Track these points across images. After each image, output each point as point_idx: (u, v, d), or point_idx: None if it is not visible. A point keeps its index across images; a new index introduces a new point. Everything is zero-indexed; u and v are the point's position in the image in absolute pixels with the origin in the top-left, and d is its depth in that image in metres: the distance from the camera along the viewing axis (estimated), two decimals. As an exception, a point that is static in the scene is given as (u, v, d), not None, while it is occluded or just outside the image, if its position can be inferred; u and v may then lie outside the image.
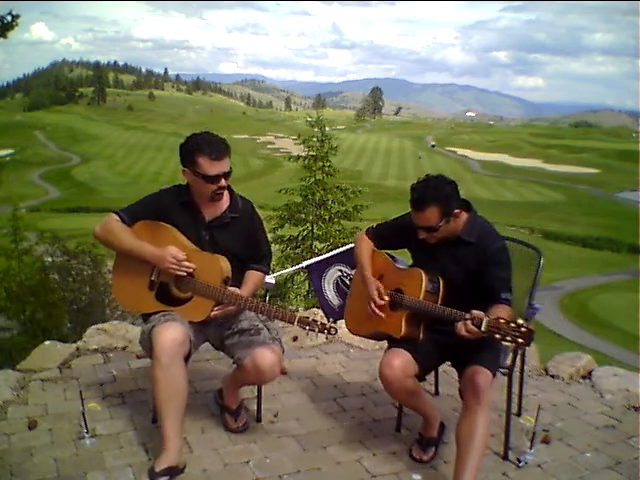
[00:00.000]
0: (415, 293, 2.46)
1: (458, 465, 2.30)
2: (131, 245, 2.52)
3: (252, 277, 2.68)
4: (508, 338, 2.02)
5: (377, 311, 2.55)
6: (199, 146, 2.46)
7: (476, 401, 2.32)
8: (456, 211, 2.40)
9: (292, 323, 2.36)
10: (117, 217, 2.57)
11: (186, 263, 2.47)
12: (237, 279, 2.61)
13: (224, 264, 2.51)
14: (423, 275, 2.47)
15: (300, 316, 2.35)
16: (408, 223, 2.53)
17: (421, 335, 2.49)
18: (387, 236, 2.72)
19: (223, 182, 2.50)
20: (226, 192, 2.63)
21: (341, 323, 3.66)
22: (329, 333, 2.34)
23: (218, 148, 2.47)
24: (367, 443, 2.73)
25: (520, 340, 2.00)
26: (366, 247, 2.72)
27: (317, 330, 2.33)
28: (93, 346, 3.59)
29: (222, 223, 2.61)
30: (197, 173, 2.47)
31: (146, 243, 2.51)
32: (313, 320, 2.34)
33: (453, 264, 2.47)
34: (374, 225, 2.79)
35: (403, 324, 2.46)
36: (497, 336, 2.04)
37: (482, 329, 2.08)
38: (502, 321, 2.04)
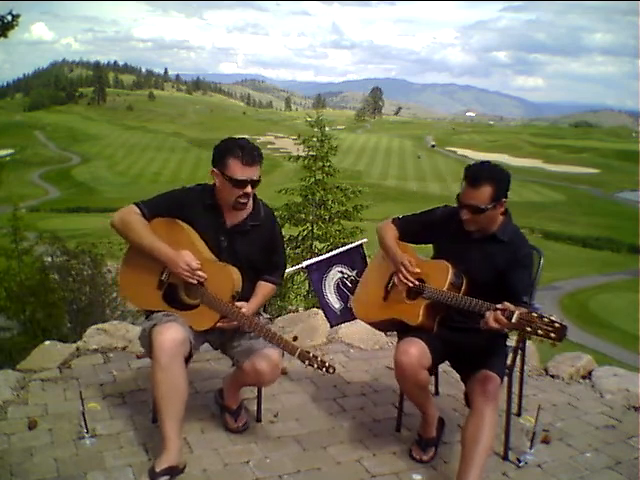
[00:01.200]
0: (439, 284, 2.45)
1: (463, 466, 2.30)
2: (148, 242, 2.48)
3: (263, 289, 2.67)
4: (540, 332, 1.98)
5: (410, 278, 2.54)
6: (232, 149, 2.45)
7: (486, 405, 2.32)
8: (503, 200, 2.41)
9: (293, 355, 2.35)
10: (137, 210, 2.53)
11: (199, 272, 2.44)
12: (249, 288, 2.60)
13: (236, 277, 2.49)
14: (450, 267, 2.47)
15: (301, 350, 2.34)
16: (438, 218, 2.60)
17: (435, 327, 2.49)
18: (413, 229, 2.72)
19: (249, 189, 2.47)
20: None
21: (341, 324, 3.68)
22: (327, 372, 2.33)
23: (251, 154, 2.45)
24: (367, 443, 2.73)
25: (553, 335, 1.96)
26: (392, 233, 2.72)
27: (316, 366, 2.32)
28: (93, 346, 3.59)
29: (242, 230, 2.59)
30: (225, 175, 2.46)
31: (162, 243, 2.48)
32: (314, 356, 2.33)
33: (482, 260, 2.48)
34: (400, 216, 2.79)
35: (421, 312, 2.46)
36: (528, 329, 2.01)
37: (513, 321, 2.05)
38: (535, 315, 2.02)
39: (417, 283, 2.54)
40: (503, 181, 2.41)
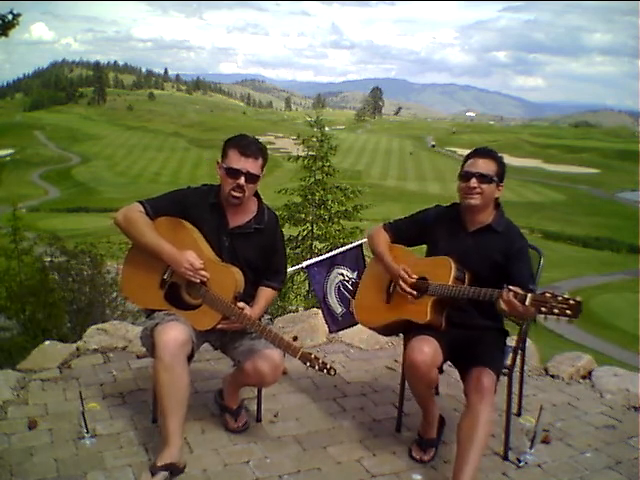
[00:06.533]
0: (443, 279, 2.45)
1: (458, 463, 2.29)
2: (151, 241, 2.48)
3: (264, 294, 2.68)
4: (555, 311, 1.98)
5: (409, 289, 2.53)
6: (235, 140, 2.54)
7: (480, 401, 2.32)
8: (501, 185, 2.54)
9: (294, 356, 2.36)
10: (141, 208, 2.54)
11: (202, 272, 2.44)
12: (249, 291, 2.60)
13: (239, 277, 2.49)
14: (452, 262, 2.47)
15: (303, 351, 2.35)
16: (432, 217, 2.67)
17: (443, 323, 2.50)
18: (406, 230, 2.74)
19: (242, 180, 2.47)
20: (255, 201, 2.64)
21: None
22: (328, 373, 2.34)
23: (249, 146, 2.51)
24: (367, 443, 2.73)
25: (569, 312, 1.97)
26: (383, 238, 2.74)
27: (317, 368, 2.33)
28: (93, 346, 3.59)
29: (245, 232, 2.59)
30: (223, 165, 2.51)
31: (165, 242, 2.48)
32: (315, 357, 2.35)
33: (478, 251, 2.51)
34: (391, 220, 2.81)
35: (429, 310, 2.45)
36: (543, 309, 2.00)
37: (527, 303, 2.05)
38: (548, 295, 2.01)
39: (415, 294, 2.53)
40: (503, 167, 2.56)
